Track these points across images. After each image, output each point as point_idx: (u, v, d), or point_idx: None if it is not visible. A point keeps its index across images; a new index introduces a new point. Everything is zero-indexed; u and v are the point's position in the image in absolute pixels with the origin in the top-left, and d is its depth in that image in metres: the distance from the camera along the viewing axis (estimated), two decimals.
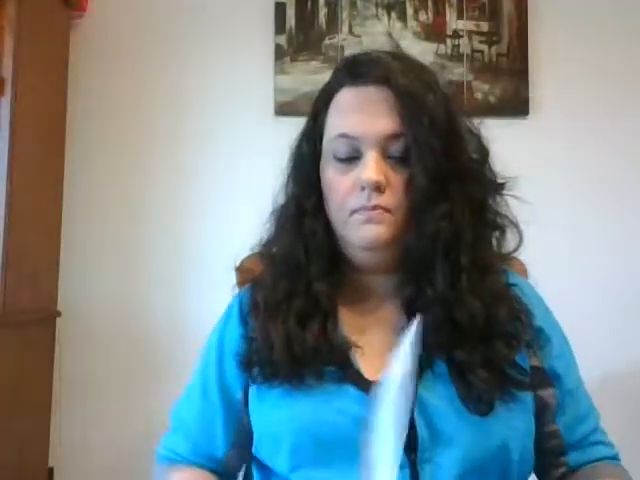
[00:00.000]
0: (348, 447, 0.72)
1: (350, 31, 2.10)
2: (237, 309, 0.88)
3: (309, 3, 2.10)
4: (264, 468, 0.82)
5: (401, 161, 0.76)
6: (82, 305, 2.03)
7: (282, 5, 2.09)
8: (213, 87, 2.11)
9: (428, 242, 0.75)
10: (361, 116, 0.77)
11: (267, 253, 0.88)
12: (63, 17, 2.01)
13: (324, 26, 2.10)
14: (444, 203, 0.75)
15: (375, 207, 0.75)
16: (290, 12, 2.09)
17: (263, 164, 1.79)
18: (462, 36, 2.11)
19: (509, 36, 2.11)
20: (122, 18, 2.12)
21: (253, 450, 0.82)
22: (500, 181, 0.83)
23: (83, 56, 2.07)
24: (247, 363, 0.82)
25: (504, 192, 0.83)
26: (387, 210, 0.75)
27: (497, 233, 0.82)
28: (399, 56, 0.83)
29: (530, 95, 2.10)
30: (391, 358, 0.69)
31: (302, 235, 0.82)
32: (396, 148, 0.76)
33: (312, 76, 2.06)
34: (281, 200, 0.87)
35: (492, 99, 2.09)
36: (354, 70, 0.80)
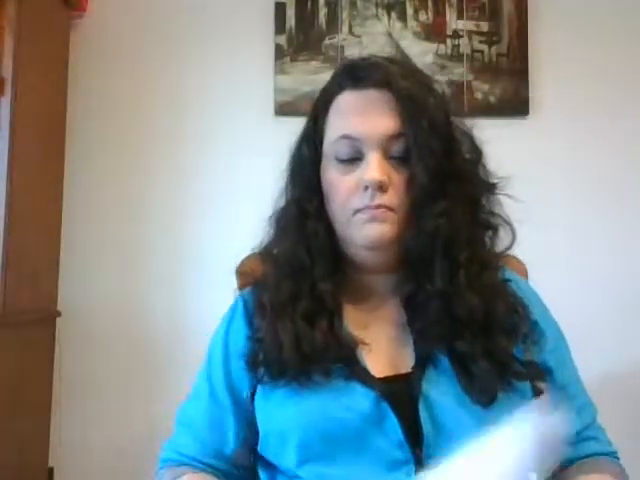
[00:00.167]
0: (355, 443, 0.75)
1: (350, 31, 2.10)
2: (242, 310, 0.89)
3: (309, 3, 2.10)
4: (269, 468, 0.83)
5: (401, 161, 0.79)
6: (82, 305, 2.03)
7: (282, 5, 2.09)
8: (213, 87, 2.11)
9: (428, 239, 0.77)
10: (363, 118, 0.79)
11: (268, 255, 0.89)
12: (63, 17, 2.01)
13: (324, 26, 2.10)
14: (443, 201, 0.78)
15: (379, 206, 0.77)
16: (290, 12, 2.09)
17: (263, 164, 1.79)
18: (462, 36, 2.11)
19: (509, 36, 2.11)
20: (122, 18, 2.12)
21: (258, 448, 0.83)
22: (494, 181, 0.85)
23: (83, 56, 2.07)
24: (253, 363, 0.83)
25: (498, 191, 0.85)
26: (390, 209, 0.78)
27: (491, 231, 0.84)
28: (397, 60, 0.87)
29: (530, 95, 2.10)
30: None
31: (304, 237, 0.83)
32: (397, 148, 0.79)
33: (312, 76, 2.06)
34: (281, 203, 0.88)
35: (492, 99, 2.09)
36: (354, 74, 0.82)
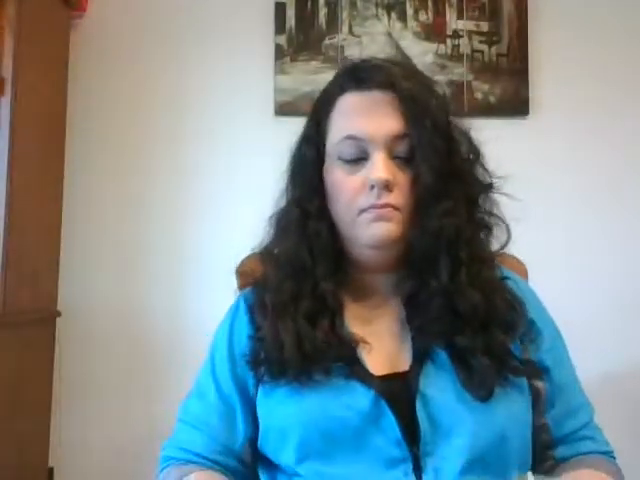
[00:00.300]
0: (354, 441, 0.76)
1: (350, 31, 2.10)
2: (244, 309, 0.90)
3: (309, 3, 2.10)
4: (270, 468, 0.84)
5: (405, 161, 0.80)
6: (82, 305, 2.03)
7: (282, 5, 2.09)
8: (213, 87, 2.11)
9: (432, 238, 0.78)
10: (368, 118, 0.80)
11: (269, 255, 0.89)
12: (63, 17, 2.01)
13: (324, 26, 2.10)
14: (446, 201, 0.79)
15: (385, 205, 0.78)
16: (290, 12, 2.09)
17: (263, 164, 1.79)
18: (462, 36, 2.11)
19: (509, 36, 2.11)
20: (122, 18, 2.12)
21: (258, 444, 0.83)
22: (493, 180, 0.86)
23: (83, 56, 2.07)
24: (254, 363, 0.83)
25: (496, 191, 0.86)
26: (396, 208, 0.79)
27: (487, 230, 0.85)
28: (398, 62, 0.89)
29: (530, 95, 2.10)
30: None
31: (306, 237, 0.84)
32: (401, 149, 0.80)
33: (312, 76, 2.06)
34: (282, 203, 0.89)
35: (492, 99, 2.09)
36: (357, 75, 0.83)
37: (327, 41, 2.10)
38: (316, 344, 0.79)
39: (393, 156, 0.80)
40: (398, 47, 2.10)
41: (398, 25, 2.11)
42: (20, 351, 1.75)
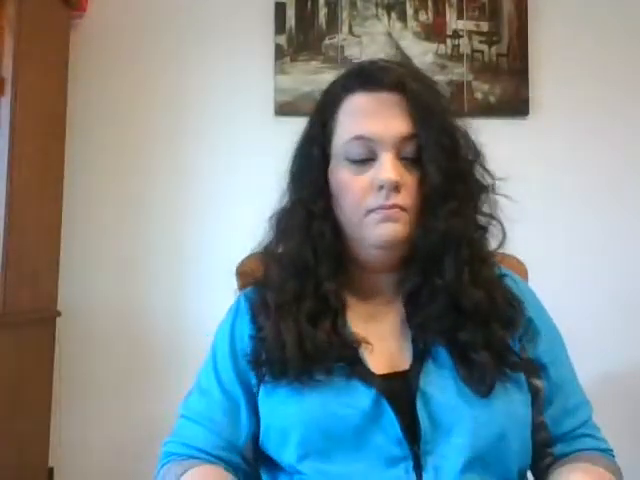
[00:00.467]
0: (354, 440, 0.76)
1: (350, 31, 2.10)
2: (246, 308, 0.90)
3: (309, 3, 2.10)
4: (271, 469, 0.84)
5: (412, 162, 0.81)
6: (82, 305, 2.03)
7: (282, 5, 2.09)
8: (213, 87, 2.11)
9: (438, 238, 0.79)
10: (376, 119, 0.81)
11: (271, 255, 0.89)
12: (63, 17, 2.01)
13: (324, 26, 2.10)
14: (452, 201, 0.80)
15: (393, 206, 0.79)
16: (290, 12, 2.09)
17: (263, 164, 1.79)
18: (462, 36, 2.11)
19: (509, 36, 2.11)
20: (122, 18, 2.12)
21: (260, 443, 0.84)
22: (494, 181, 0.87)
23: (83, 56, 2.07)
24: (255, 362, 0.84)
25: (497, 191, 0.87)
26: (403, 209, 0.79)
27: (486, 229, 0.86)
28: (403, 63, 0.93)
29: (530, 95, 2.10)
30: None
31: (310, 237, 0.84)
32: (409, 149, 0.81)
33: (312, 76, 2.06)
34: (283, 203, 0.89)
35: (492, 99, 2.09)
36: (364, 77, 0.84)
37: (327, 41, 2.10)
38: (318, 344, 0.80)
39: (400, 157, 0.80)
40: (398, 47, 2.10)
41: (398, 25, 2.11)
42: (20, 351, 1.75)
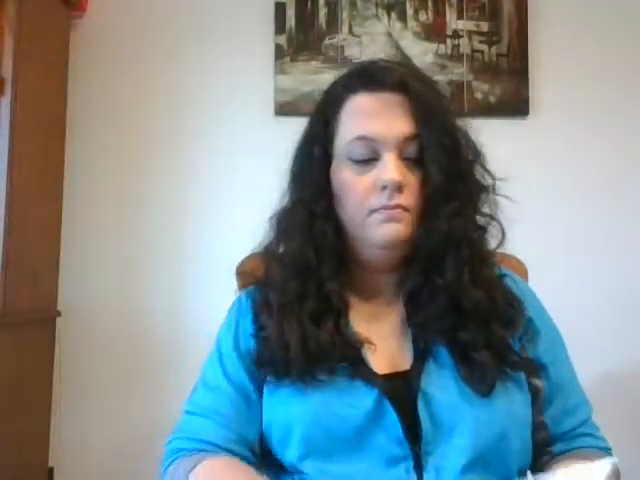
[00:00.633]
0: (357, 439, 0.77)
1: (350, 31, 2.10)
2: (248, 306, 0.90)
3: (309, 3, 2.10)
4: (274, 468, 0.84)
5: (414, 162, 0.81)
6: (82, 305, 2.03)
7: (282, 5, 2.09)
8: (213, 87, 2.11)
9: (440, 238, 0.79)
10: (379, 119, 0.81)
11: (272, 255, 0.90)
12: (63, 17, 2.01)
13: (324, 26, 2.10)
14: (454, 201, 0.80)
15: (396, 206, 0.79)
16: (290, 12, 2.09)
17: (263, 164, 1.79)
18: (462, 36, 2.11)
19: (509, 36, 2.11)
20: (122, 18, 2.12)
21: (262, 441, 0.83)
22: (494, 181, 0.87)
23: (83, 56, 2.07)
24: (258, 362, 0.84)
25: (498, 191, 0.87)
26: (406, 209, 0.80)
27: (486, 229, 0.87)
28: (405, 64, 0.92)
29: (530, 95, 2.10)
30: None
31: (312, 237, 0.84)
32: (411, 150, 0.81)
33: (312, 76, 2.06)
34: (284, 203, 0.89)
35: (492, 99, 2.09)
36: (367, 77, 0.84)
37: (327, 41, 2.10)
38: (321, 344, 0.80)
39: (403, 157, 0.81)
40: (398, 47, 2.10)
41: (398, 25, 2.11)
42: (20, 351, 1.75)
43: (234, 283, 1.08)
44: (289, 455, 0.80)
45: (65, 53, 2.03)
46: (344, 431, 0.77)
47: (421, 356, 0.81)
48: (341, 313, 0.83)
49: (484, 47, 2.11)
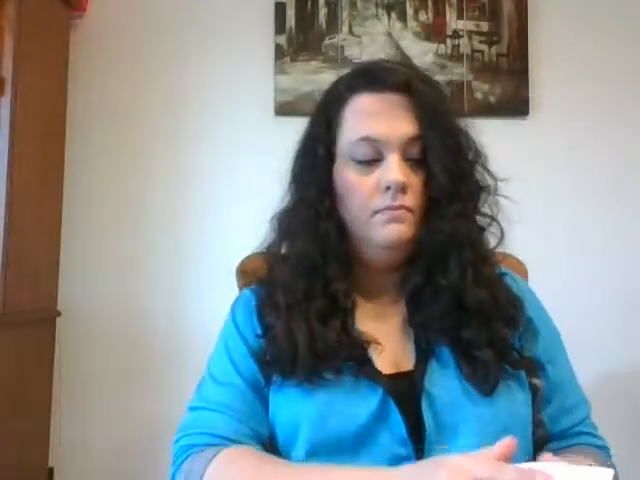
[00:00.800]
0: (361, 438, 0.77)
1: (350, 31, 2.10)
2: (253, 305, 0.89)
3: (309, 3, 2.10)
4: None
5: (417, 163, 0.81)
6: (82, 305, 2.03)
7: (282, 5, 2.09)
8: (213, 87, 2.11)
9: (444, 239, 0.80)
10: (383, 120, 0.81)
11: (275, 255, 0.89)
12: (63, 17, 2.01)
13: (324, 26, 2.10)
14: (457, 202, 0.81)
15: (400, 207, 0.80)
16: (290, 12, 2.09)
17: (263, 164, 1.79)
18: (462, 36, 2.11)
19: (509, 36, 2.11)
20: (122, 18, 2.12)
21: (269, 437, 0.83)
22: (496, 181, 0.87)
23: (83, 56, 2.07)
24: (264, 362, 0.83)
25: (499, 192, 0.87)
26: (409, 210, 0.80)
27: (486, 229, 0.87)
28: (408, 64, 0.92)
29: (530, 95, 2.10)
30: None
31: (317, 237, 0.84)
32: (415, 150, 0.81)
33: (312, 76, 2.06)
34: (286, 203, 0.89)
35: (492, 99, 2.09)
36: (369, 77, 0.84)
37: (327, 41, 2.10)
38: (328, 344, 0.80)
39: (406, 158, 0.81)
40: (398, 47, 2.10)
41: (398, 25, 2.11)
42: (20, 351, 1.75)
43: (234, 283, 1.08)
44: (295, 453, 0.80)
45: (65, 53, 2.03)
46: (349, 430, 0.77)
47: (423, 356, 0.81)
48: (348, 312, 0.84)
49: (484, 47, 2.11)
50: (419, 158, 0.81)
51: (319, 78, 2.04)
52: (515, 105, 2.10)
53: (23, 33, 1.72)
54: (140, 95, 2.10)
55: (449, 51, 2.10)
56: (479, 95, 2.09)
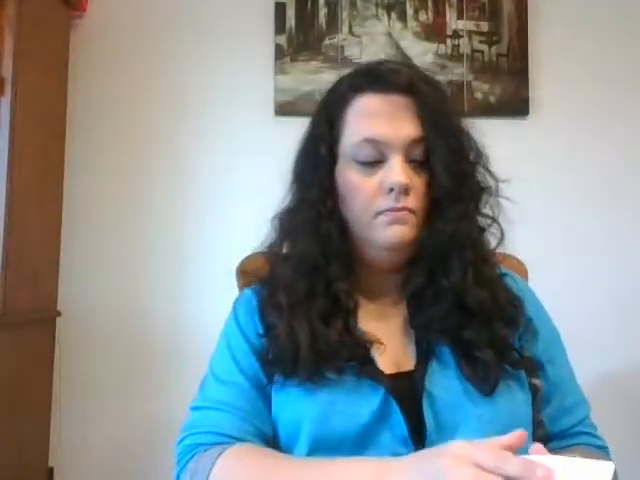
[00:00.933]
0: (363, 438, 0.77)
1: (350, 31, 2.10)
2: (255, 304, 0.89)
3: (309, 3, 2.10)
4: None
5: (420, 165, 0.81)
6: (82, 305, 2.03)
7: (282, 5, 2.09)
8: (213, 87, 2.11)
9: (446, 240, 0.80)
10: (387, 121, 0.81)
11: (276, 255, 0.89)
12: (63, 17, 2.01)
13: (324, 26, 2.10)
14: (459, 203, 0.81)
15: (403, 208, 0.80)
16: (290, 12, 2.09)
17: (263, 164, 1.80)
18: (462, 36, 2.11)
19: (509, 36, 2.11)
20: (122, 18, 2.12)
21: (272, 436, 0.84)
22: (497, 182, 0.87)
23: (83, 56, 2.07)
24: (266, 361, 0.84)
25: (500, 193, 0.87)
26: (412, 211, 0.80)
27: (487, 229, 0.87)
28: (411, 65, 0.90)
29: (530, 95, 2.10)
30: None
31: (319, 238, 0.84)
32: (418, 152, 0.81)
33: (312, 76, 2.06)
34: (289, 203, 0.89)
35: (492, 99, 2.09)
36: (373, 77, 0.83)
37: (327, 41, 2.10)
38: (330, 344, 0.80)
39: (409, 160, 0.81)
40: (398, 47, 2.10)
41: (398, 25, 2.11)
42: (20, 351, 1.75)
43: (234, 283, 1.08)
44: (296, 452, 0.80)
45: (65, 53, 2.03)
46: (351, 429, 0.77)
47: (424, 356, 0.81)
48: (350, 313, 0.84)
49: (484, 47, 2.11)
50: (422, 160, 0.81)
51: (319, 78, 2.04)
52: (515, 105, 2.10)
53: (23, 33, 1.72)
54: (140, 95, 2.10)
55: (449, 51, 2.10)
56: (479, 95, 2.09)
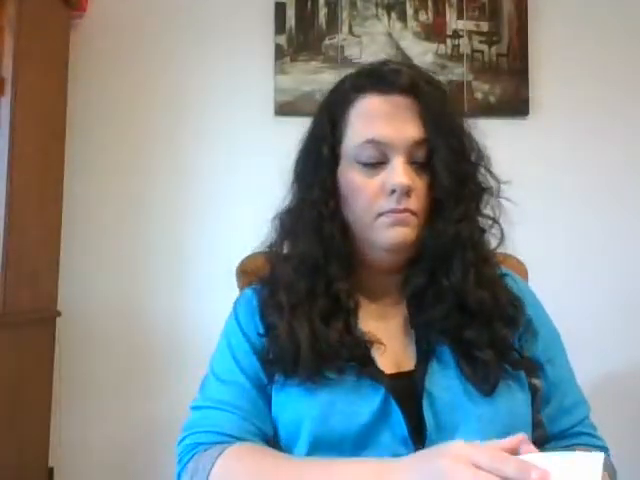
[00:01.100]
0: (363, 438, 0.77)
1: (350, 31, 2.10)
2: (256, 304, 0.89)
3: (309, 3, 2.10)
4: None
5: (422, 166, 0.81)
6: (82, 305, 2.03)
7: (282, 5, 2.09)
8: (213, 87, 2.11)
9: (448, 241, 0.80)
10: (390, 123, 0.81)
11: (277, 255, 0.89)
12: (63, 17, 2.01)
13: (324, 26, 2.10)
14: (461, 205, 0.81)
15: (404, 210, 0.80)
16: (290, 12, 2.09)
17: (263, 164, 1.80)
18: (462, 36, 2.11)
19: (509, 36, 2.11)
20: (122, 18, 2.12)
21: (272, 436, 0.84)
22: (499, 183, 0.87)
23: (83, 56, 2.07)
24: (266, 361, 0.84)
25: (501, 193, 0.87)
26: (414, 213, 0.80)
27: (487, 230, 0.87)
28: (413, 65, 0.89)
29: (530, 95, 2.10)
30: None
31: (320, 238, 0.84)
32: (420, 154, 0.81)
33: (312, 76, 2.06)
34: (290, 203, 0.89)
35: (492, 99, 2.09)
36: (376, 78, 0.83)
37: (327, 41, 2.10)
38: (331, 344, 0.80)
39: (411, 161, 0.81)
40: (398, 47, 2.10)
41: (398, 25, 2.11)
42: (20, 351, 1.75)
43: (234, 283, 1.08)
44: (297, 452, 0.80)
45: (65, 53, 2.03)
46: (351, 429, 0.77)
47: (424, 356, 0.81)
48: (350, 313, 0.84)
49: (484, 47, 2.11)
50: (424, 161, 0.81)
51: (319, 78, 2.04)
52: (515, 105, 2.10)
53: (23, 33, 1.72)
54: (140, 95, 2.10)
55: (449, 51, 2.10)
56: (479, 95, 2.09)
